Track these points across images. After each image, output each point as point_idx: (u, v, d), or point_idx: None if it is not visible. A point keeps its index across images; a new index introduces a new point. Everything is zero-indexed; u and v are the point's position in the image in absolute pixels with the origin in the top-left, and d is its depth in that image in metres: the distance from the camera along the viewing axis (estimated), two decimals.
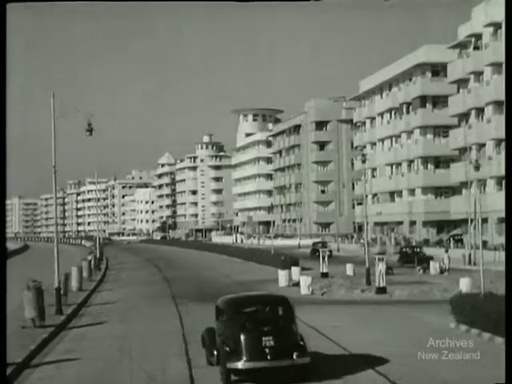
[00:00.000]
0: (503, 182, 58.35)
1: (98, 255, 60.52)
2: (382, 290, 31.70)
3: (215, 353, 16.38)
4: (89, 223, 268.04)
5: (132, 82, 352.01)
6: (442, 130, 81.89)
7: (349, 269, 43.13)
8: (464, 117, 73.04)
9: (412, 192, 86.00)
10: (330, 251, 64.58)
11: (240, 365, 15.29)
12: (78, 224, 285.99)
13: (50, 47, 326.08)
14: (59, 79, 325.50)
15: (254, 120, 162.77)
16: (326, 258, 41.26)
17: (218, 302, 17.26)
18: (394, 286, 34.22)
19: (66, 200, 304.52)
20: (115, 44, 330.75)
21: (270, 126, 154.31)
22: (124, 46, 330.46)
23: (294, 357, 15.45)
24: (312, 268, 50.58)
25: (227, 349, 15.56)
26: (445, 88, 78.60)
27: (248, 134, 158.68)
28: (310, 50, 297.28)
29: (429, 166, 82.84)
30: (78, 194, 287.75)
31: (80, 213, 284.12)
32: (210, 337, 17.11)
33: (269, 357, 15.31)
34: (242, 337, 15.43)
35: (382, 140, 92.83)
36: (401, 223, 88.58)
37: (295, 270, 40.45)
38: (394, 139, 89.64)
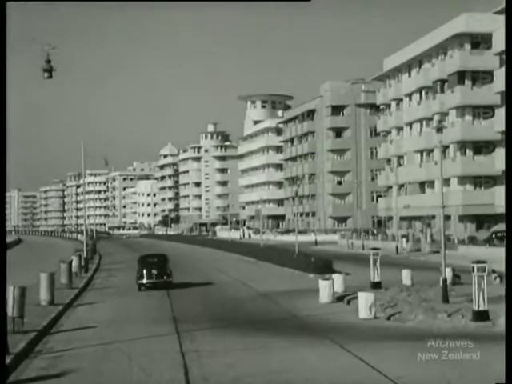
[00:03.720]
0: None
1: (85, 254, 50.37)
2: (482, 316, 21.45)
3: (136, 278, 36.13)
4: (88, 216, 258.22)
5: (133, 70, 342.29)
6: (482, 111, 71.66)
7: (406, 276, 32.96)
8: None
9: (447, 182, 75.67)
10: None
11: (143, 281, 35.22)
12: (78, 217, 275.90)
13: (50, 43, 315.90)
14: (56, 74, 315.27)
15: (263, 107, 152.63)
16: (378, 262, 30.92)
17: (138, 257, 38.34)
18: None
19: (66, 193, 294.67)
20: (115, 37, 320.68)
21: (280, 113, 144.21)
22: (124, 38, 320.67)
23: (165, 278, 35.30)
24: (349, 273, 40.57)
25: (138, 275, 35.63)
26: (486, 62, 68.52)
27: (256, 122, 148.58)
28: (318, 38, 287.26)
29: (467, 151, 72.53)
30: (78, 187, 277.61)
31: (80, 205, 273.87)
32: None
33: (154, 278, 35.11)
34: (144, 270, 35.28)
35: (411, 124, 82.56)
36: (432, 217, 78.36)
37: (338, 278, 30.30)
38: (424, 122, 79.35)
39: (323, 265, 40.34)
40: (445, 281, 26.48)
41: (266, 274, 43.40)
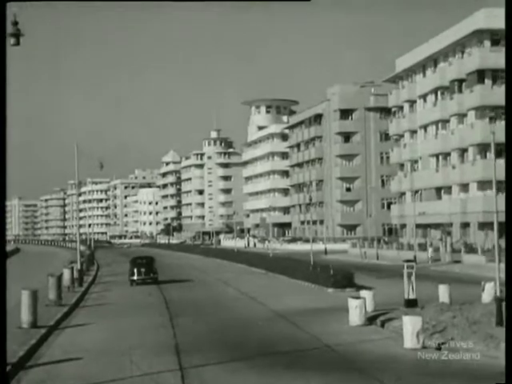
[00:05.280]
0: None
1: (79, 265, 46.15)
2: None
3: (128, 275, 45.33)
4: (89, 225, 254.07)
5: (135, 75, 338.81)
6: (503, 112, 67.17)
7: (443, 292, 28.63)
8: None
9: (465, 187, 71.45)
10: None
11: (134, 278, 43.87)
12: (79, 226, 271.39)
13: (50, 45, 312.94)
14: (56, 78, 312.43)
15: (267, 112, 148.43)
16: (414, 277, 26.62)
17: (130, 259, 48.18)
18: None
19: (67, 201, 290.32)
20: (116, 41, 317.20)
21: (285, 118, 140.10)
22: (125, 42, 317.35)
23: (151, 275, 43.96)
24: (371, 287, 36.29)
25: (130, 273, 44.56)
26: None
27: (260, 128, 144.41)
28: (323, 41, 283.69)
29: (488, 154, 68.13)
30: (79, 195, 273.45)
31: (81, 214, 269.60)
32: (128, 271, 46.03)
33: (143, 275, 43.75)
34: (135, 269, 44.16)
35: (425, 126, 78.33)
36: (449, 225, 74.03)
37: (368, 296, 25.99)
38: (440, 125, 75.10)
39: (343, 278, 36.07)
40: (499, 300, 22.13)
41: (280, 288, 39.01)
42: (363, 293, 26.31)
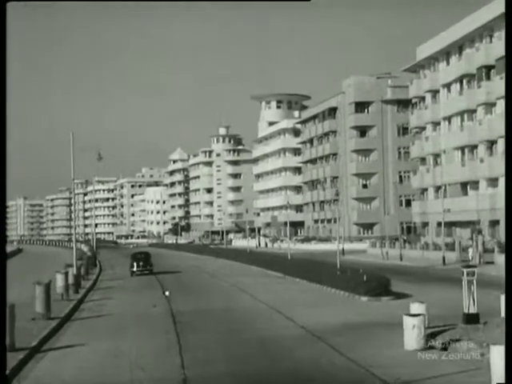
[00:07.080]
0: None
1: (75, 270, 41.39)
2: None
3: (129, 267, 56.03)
4: (96, 225, 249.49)
5: (140, 73, 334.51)
6: None
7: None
8: None
9: (493, 182, 66.36)
10: None
11: (134, 269, 54.29)
12: (85, 226, 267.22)
13: (50, 45, 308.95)
14: (59, 78, 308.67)
15: (278, 107, 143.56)
16: (475, 286, 21.70)
17: (130, 254, 60.26)
18: None
19: (73, 201, 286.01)
20: (120, 36, 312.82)
21: (296, 113, 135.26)
22: (131, 37, 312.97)
23: (148, 267, 54.73)
24: (409, 294, 31.55)
25: (130, 265, 55.00)
26: None
27: (271, 123, 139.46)
28: (334, 34, 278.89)
29: None
30: (85, 194, 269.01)
31: (87, 214, 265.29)
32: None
33: (141, 268, 54.41)
34: (134, 263, 54.75)
35: (449, 118, 73.24)
36: (473, 223, 68.94)
37: (421, 309, 21.00)
38: (466, 115, 70.03)
39: (378, 284, 31.13)
40: None
41: (304, 296, 33.86)
42: (414, 307, 21.33)
